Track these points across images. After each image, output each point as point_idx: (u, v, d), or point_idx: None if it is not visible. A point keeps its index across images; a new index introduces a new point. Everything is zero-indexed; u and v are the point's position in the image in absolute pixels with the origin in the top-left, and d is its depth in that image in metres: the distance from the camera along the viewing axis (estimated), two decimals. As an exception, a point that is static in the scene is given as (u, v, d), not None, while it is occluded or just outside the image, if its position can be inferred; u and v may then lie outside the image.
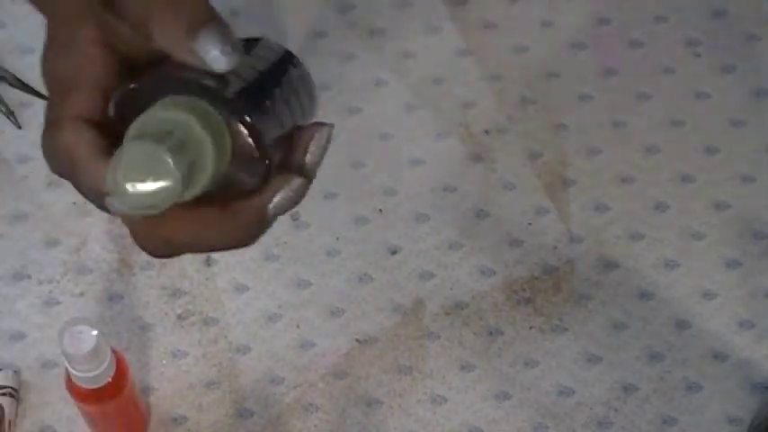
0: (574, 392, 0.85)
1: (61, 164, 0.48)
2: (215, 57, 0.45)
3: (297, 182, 0.48)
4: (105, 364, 0.72)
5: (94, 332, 0.70)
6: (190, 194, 0.45)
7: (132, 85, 0.47)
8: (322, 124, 0.50)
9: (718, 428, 0.84)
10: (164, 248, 0.48)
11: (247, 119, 0.46)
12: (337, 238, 0.91)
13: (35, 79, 0.95)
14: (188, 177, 0.43)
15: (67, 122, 0.47)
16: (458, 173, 0.94)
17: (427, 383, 0.86)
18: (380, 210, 0.92)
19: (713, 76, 0.99)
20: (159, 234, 0.47)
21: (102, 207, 0.47)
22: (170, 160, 0.42)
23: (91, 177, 0.47)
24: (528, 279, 0.90)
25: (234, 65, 0.45)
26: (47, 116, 0.49)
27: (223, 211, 0.47)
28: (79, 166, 0.47)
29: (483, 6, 1.01)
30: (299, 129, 0.50)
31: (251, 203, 0.47)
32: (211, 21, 0.45)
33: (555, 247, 0.91)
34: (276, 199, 0.47)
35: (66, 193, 0.92)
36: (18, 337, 0.87)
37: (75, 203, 0.91)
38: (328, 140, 0.50)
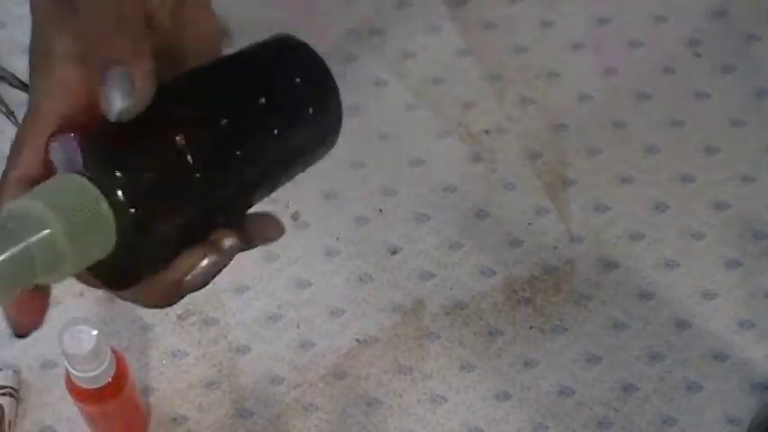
0: (574, 392, 0.85)
1: None
2: (111, 104, 0.42)
3: (211, 258, 0.47)
4: (105, 364, 0.72)
5: (94, 332, 0.70)
6: (45, 279, 0.43)
7: (58, 138, 0.46)
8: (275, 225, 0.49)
9: (718, 428, 0.84)
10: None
11: (132, 211, 0.42)
12: (337, 238, 0.91)
13: (35, 79, 0.95)
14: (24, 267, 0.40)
15: (10, 186, 0.46)
16: (458, 173, 0.94)
17: (427, 383, 0.86)
18: (380, 210, 0.92)
19: (713, 76, 0.99)
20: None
21: None
22: None
23: None
24: (528, 279, 0.90)
25: (127, 117, 0.42)
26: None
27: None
28: None
29: (483, 6, 1.02)
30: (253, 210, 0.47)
31: (164, 278, 0.47)
32: (120, 62, 0.42)
33: (555, 247, 0.91)
34: (189, 277, 0.47)
35: (67, 193, 0.92)
36: (18, 337, 0.87)
37: (75, 203, 0.91)
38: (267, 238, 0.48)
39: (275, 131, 0.47)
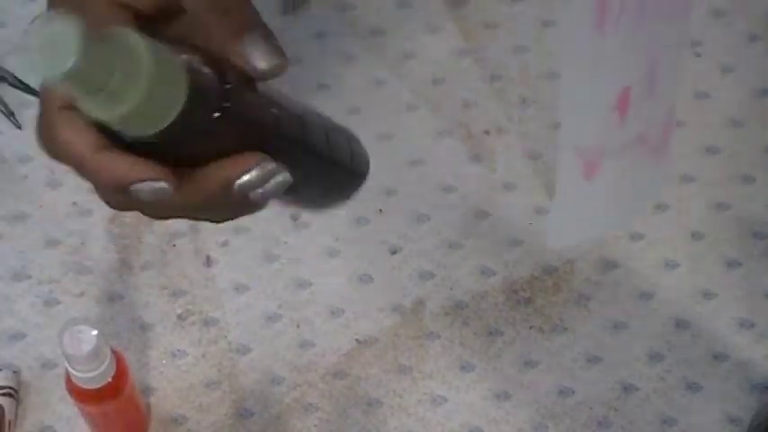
0: (574, 392, 0.85)
1: (62, 160, 0.47)
2: (257, 57, 0.46)
3: (269, 165, 0.46)
4: (105, 364, 0.72)
5: (94, 332, 0.70)
6: (114, 105, 0.42)
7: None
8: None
9: (718, 428, 0.84)
10: (121, 199, 0.46)
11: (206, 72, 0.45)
12: (337, 239, 0.91)
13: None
14: (108, 74, 0.41)
15: (56, 115, 0.46)
16: (458, 173, 0.94)
17: (427, 383, 0.86)
18: (380, 210, 0.92)
19: (713, 76, 0.99)
20: (116, 179, 0.45)
21: (110, 200, 0.48)
22: (76, 37, 0.39)
23: (98, 176, 0.46)
24: (528, 279, 0.90)
25: (275, 65, 0.47)
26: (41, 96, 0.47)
27: (184, 173, 0.45)
28: (83, 166, 0.46)
29: (483, 6, 1.02)
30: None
31: (214, 172, 0.46)
32: (255, 27, 0.47)
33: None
34: (245, 177, 0.46)
35: (67, 193, 0.92)
36: (18, 337, 0.87)
37: (75, 203, 0.91)
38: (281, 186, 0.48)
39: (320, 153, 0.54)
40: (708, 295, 0.89)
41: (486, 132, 0.96)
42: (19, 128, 0.94)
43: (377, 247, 0.91)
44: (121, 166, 0.44)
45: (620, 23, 0.69)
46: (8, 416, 0.81)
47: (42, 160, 0.92)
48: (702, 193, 0.93)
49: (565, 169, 0.80)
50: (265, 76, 0.47)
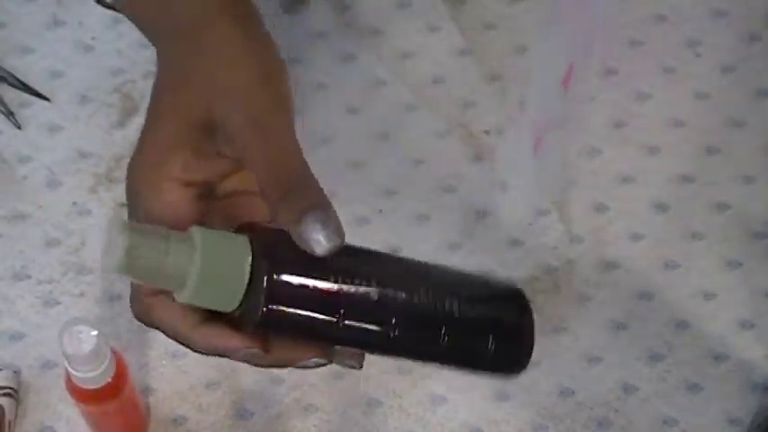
0: (574, 392, 0.85)
1: (166, 332, 0.53)
2: (317, 241, 0.48)
3: (257, 353, 0.50)
4: (105, 364, 0.72)
5: (94, 332, 0.70)
6: (180, 290, 0.47)
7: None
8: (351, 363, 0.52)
9: (718, 428, 0.84)
10: (144, 317, 0.53)
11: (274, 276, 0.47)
12: (337, 239, 0.91)
13: (35, 79, 0.95)
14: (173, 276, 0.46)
15: (152, 298, 0.51)
16: (458, 173, 0.94)
17: (427, 383, 0.86)
18: (380, 210, 0.92)
19: (713, 76, 0.99)
20: (216, 350, 0.51)
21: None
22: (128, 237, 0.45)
23: (197, 346, 0.52)
24: (528, 279, 0.89)
25: (334, 249, 0.47)
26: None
27: (204, 321, 0.51)
28: (186, 340, 0.53)
29: (483, 6, 1.01)
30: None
31: (231, 337, 0.50)
32: (317, 207, 0.48)
33: (555, 248, 0.91)
34: (245, 351, 0.50)
35: (67, 193, 0.92)
36: (18, 337, 0.87)
37: (75, 203, 0.91)
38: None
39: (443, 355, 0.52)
40: (708, 295, 0.89)
41: (486, 132, 0.96)
42: (19, 128, 0.94)
43: (377, 247, 0.91)
44: (217, 341, 0.51)
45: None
46: (8, 416, 0.81)
47: (42, 160, 0.92)
48: (702, 193, 0.93)
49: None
50: (324, 256, 0.48)
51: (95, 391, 0.73)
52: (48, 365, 0.85)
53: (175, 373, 0.86)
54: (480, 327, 0.51)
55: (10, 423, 0.82)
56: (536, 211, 0.92)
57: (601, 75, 0.98)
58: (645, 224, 0.92)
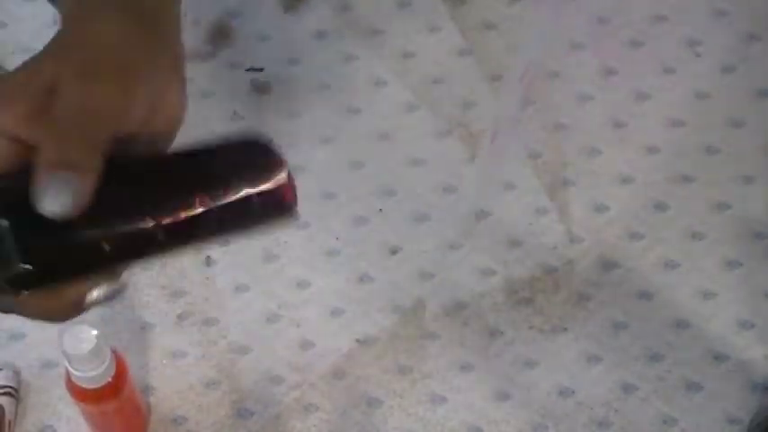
0: (574, 392, 0.85)
1: None
2: (45, 203, 0.44)
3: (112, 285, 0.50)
4: (105, 364, 0.72)
5: (94, 332, 0.70)
6: None
7: None
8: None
9: (718, 428, 0.84)
10: None
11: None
12: (337, 238, 0.91)
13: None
14: None
15: None
16: (458, 173, 0.94)
17: (427, 383, 0.86)
18: (380, 210, 0.92)
19: (713, 76, 0.99)
20: None
21: None
22: None
23: None
24: (528, 279, 0.90)
25: (55, 218, 0.44)
26: None
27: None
28: None
29: (483, 6, 1.02)
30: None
31: (69, 293, 0.49)
32: (70, 167, 0.44)
33: (555, 247, 0.91)
34: (94, 294, 0.49)
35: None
36: (18, 337, 0.87)
37: (75, 203, 0.91)
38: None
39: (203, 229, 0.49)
40: (708, 295, 0.89)
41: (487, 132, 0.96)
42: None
43: (377, 247, 0.91)
44: None
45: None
46: (8, 415, 0.81)
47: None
48: (702, 193, 0.93)
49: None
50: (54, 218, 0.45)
51: (95, 390, 0.73)
52: (48, 365, 0.85)
53: (175, 373, 0.86)
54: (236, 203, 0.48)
55: (10, 422, 0.82)
56: (535, 210, 0.92)
57: (601, 75, 0.98)
58: (645, 224, 0.92)
